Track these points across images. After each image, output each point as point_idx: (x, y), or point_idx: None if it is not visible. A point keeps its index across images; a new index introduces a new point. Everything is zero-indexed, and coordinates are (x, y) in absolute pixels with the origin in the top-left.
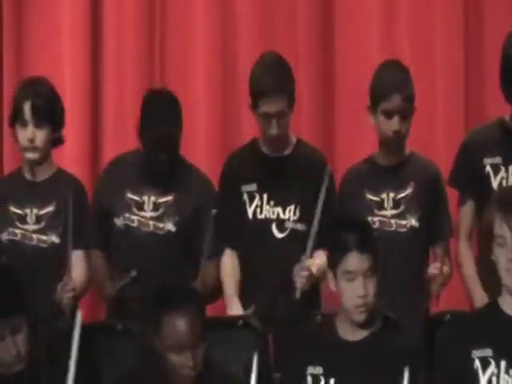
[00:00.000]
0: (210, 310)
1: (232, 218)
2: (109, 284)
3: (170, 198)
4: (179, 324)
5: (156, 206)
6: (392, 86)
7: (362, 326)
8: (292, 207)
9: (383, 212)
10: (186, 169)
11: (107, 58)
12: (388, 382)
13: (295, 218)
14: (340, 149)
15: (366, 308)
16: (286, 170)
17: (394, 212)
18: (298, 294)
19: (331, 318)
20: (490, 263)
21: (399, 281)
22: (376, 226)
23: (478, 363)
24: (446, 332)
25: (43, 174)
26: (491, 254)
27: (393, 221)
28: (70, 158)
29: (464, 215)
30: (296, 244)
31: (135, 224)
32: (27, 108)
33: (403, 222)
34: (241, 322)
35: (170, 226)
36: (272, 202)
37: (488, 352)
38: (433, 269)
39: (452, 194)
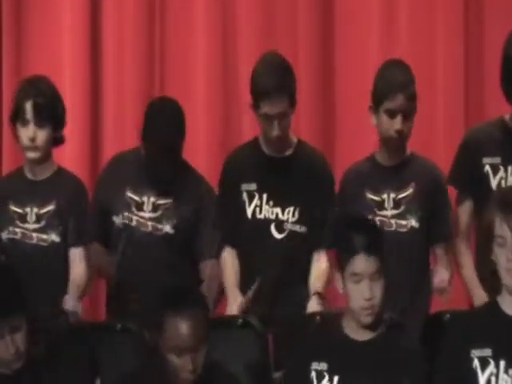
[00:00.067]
0: None
1: (232, 217)
2: (111, 266)
3: (169, 200)
4: (181, 327)
5: (155, 207)
6: (396, 85)
7: (369, 327)
8: (291, 209)
9: (383, 212)
10: (185, 171)
11: (107, 58)
12: (394, 383)
13: (294, 219)
14: (340, 149)
15: (372, 310)
16: (286, 171)
17: (394, 212)
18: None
19: (337, 317)
20: (487, 263)
21: (399, 281)
22: None
23: (477, 363)
24: (445, 331)
25: (44, 173)
26: (491, 254)
27: (393, 221)
28: (70, 157)
29: (462, 214)
30: (295, 245)
31: (134, 223)
32: (29, 107)
33: (403, 223)
34: (240, 321)
35: (167, 228)
36: (271, 202)
37: (487, 352)
38: (440, 282)
39: (451, 193)
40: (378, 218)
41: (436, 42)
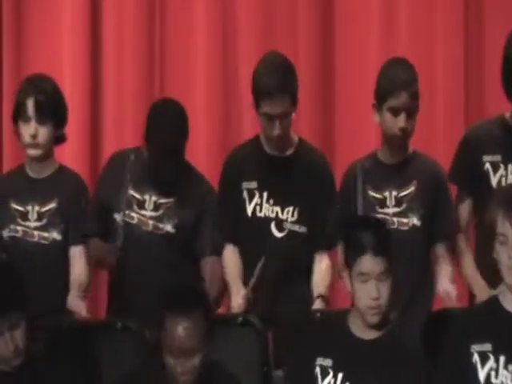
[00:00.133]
0: None
1: (232, 215)
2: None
3: (170, 200)
4: (178, 329)
5: (156, 206)
6: (399, 83)
7: (375, 327)
8: (290, 208)
9: (385, 210)
10: (187, 171)
11: (107, 58)
12: (399, 382)
13: (293, 219)
14: (340, 148)
15: (379, 310)
16: (287, 170)
17: (396, 210)
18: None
19: (343, 315)
20: (488, 260)
21: (400, 279)
22: None
23: (476, 357)
24: (446, 327)
25: (45, 171)
26: (493, 252)
27: (395, 219)
28: (70, 156)
29: (462, 212)
30: (296, 244)
31: (135, 221)
32: (30, 104)
33: (405, 221)
34: (240, 319)
35: (169, 228)
36: (271, 201)
37: (487, 347)
38: (446, 293)
39: (451, 192)
40: (379, 216)
41: (436, 42)
